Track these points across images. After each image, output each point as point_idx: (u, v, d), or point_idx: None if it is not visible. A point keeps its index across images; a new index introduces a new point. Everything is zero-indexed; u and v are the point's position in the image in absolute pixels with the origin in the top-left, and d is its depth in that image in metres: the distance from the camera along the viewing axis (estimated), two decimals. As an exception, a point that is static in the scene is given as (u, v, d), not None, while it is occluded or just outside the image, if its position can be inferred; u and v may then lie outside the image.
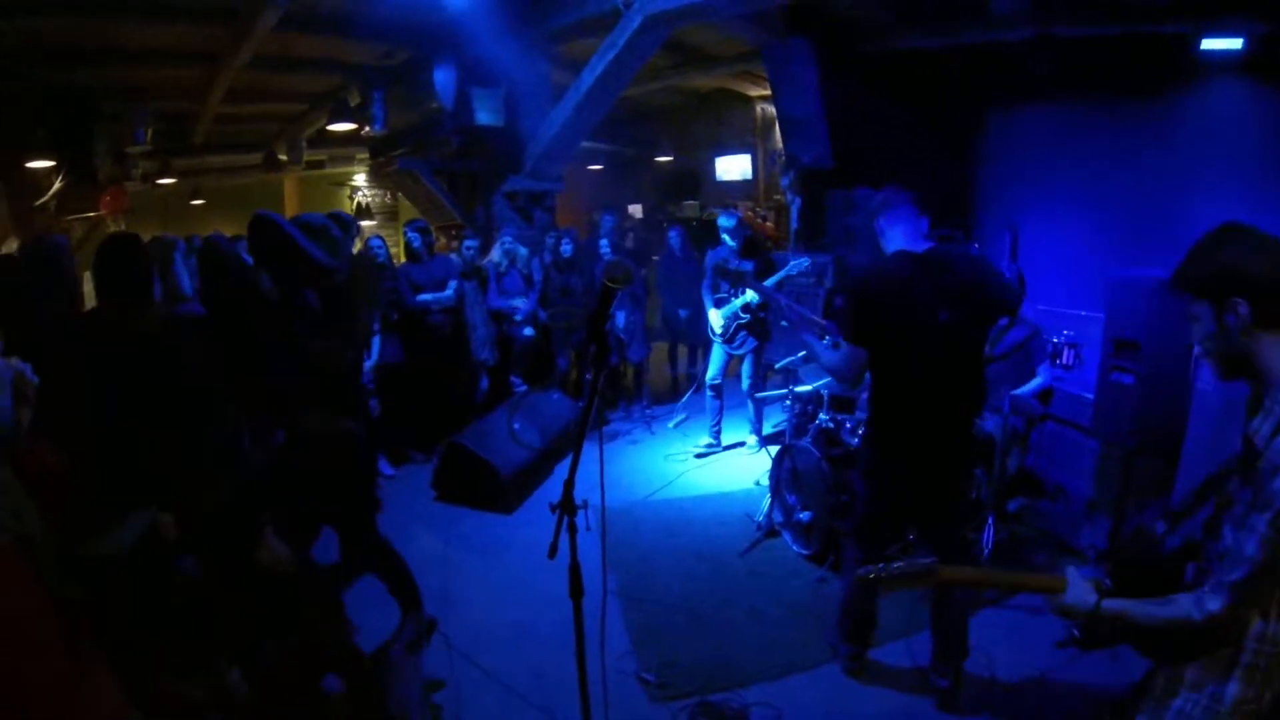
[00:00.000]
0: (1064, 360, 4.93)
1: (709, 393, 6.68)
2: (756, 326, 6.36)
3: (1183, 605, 1.61)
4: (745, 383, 6.55)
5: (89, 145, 8.88)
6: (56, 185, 9.04)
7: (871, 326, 3.00)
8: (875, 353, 3.04)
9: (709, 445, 6.76)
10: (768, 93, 9.74)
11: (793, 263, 6.09)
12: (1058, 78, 5.51)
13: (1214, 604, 1.56)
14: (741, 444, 6.82)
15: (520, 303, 7.39)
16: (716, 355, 6.57)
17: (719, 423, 6.73)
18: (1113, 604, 1.71)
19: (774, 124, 11.13)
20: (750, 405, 6.55)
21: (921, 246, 3.04)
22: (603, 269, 2.41)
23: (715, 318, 6.40)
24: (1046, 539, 4.56)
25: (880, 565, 1.93)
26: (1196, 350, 1.73)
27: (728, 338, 6.40)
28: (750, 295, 6.14)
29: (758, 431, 6.57)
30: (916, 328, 2.94)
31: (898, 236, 3.10)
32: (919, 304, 2.93)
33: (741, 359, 6.51)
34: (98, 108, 8.99)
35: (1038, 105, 5.98)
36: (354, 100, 10.13)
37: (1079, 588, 1.77)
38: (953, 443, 3.16)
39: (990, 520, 4.22)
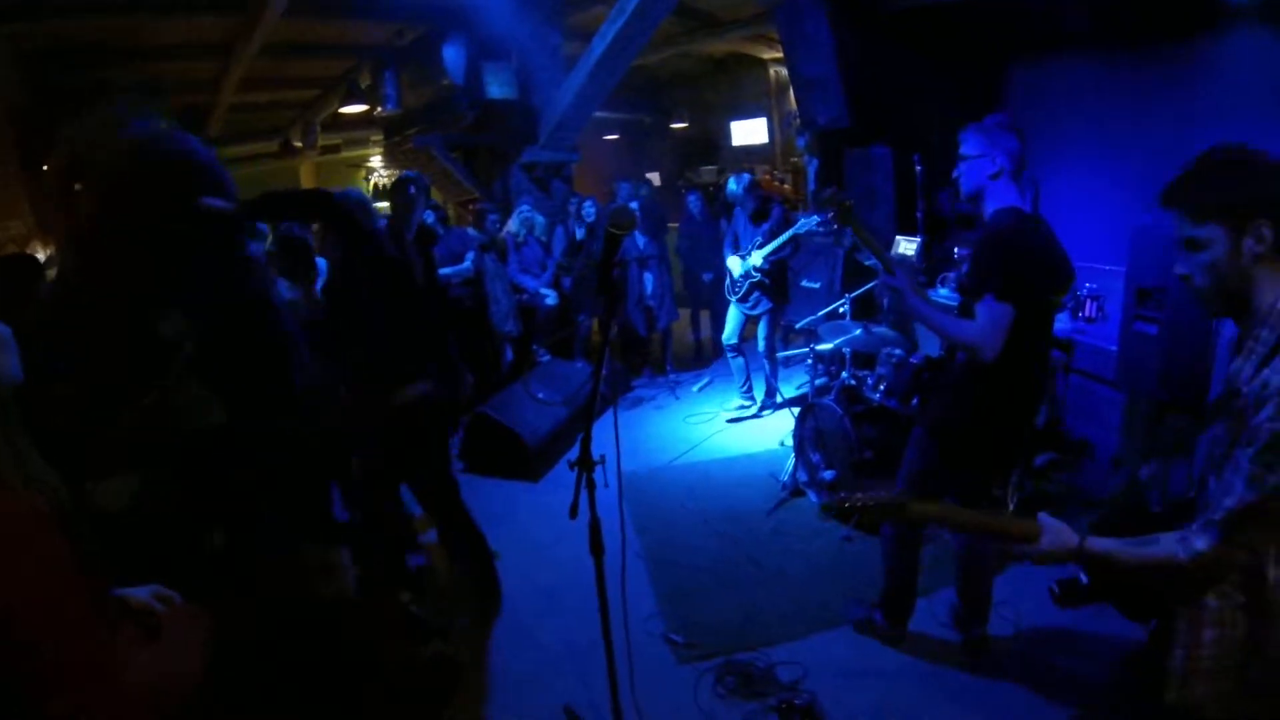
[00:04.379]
0: (1086, 313, 4.87)
1: (728, 353, 6.68)
2: (771, 287, 6.32)
3: (1167, 544, 1.56)
4: (761, 344, 6.52)
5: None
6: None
7: (1024, 284, 2.70)
8: (1016, 312, 2.70)
9: (740, 406, 6.76)
10: (781, 55, 9.62)
11: (802, 221, 6.05)
12: (1080, 26, 5.38)
13: (1201, 542, 1.51)
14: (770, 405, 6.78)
15: (546, 292, 7.49)
16: (732, 315, 6.56)
17: (748, 380, 6.73)
18: (1096, 543, 1.67)
19: (788, 86, 11.00)
20: (766, 366, 6.55)
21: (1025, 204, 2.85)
22: (608, 213, 2.42)
23: (735, 263, 6.40)
24: (1072, 495, 4.53)
25: (856, 495, 1.92)
26: (1181, 278, 1.64)
27: (742, 296, 6.38)
28: (759, 255, 6.15)
29: (775, 391, 6.58)
30: (1044, 289, 2.81)
31: (1004, 187, 2.83)
32: (1046, 265, 2.80)
33: (758, 320, 6.48)
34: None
35: (1059, 56, 5.84)
36: (365, 82, 10.16)
37: (1056, 531, 1.72)
38: (1035, 407, 3.11)
39: (1015, 476, 4.21)
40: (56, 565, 1.38)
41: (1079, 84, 5.71)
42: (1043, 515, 1.78)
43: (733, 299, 6.49)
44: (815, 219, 5.96)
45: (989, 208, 2.84)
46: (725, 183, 7.16)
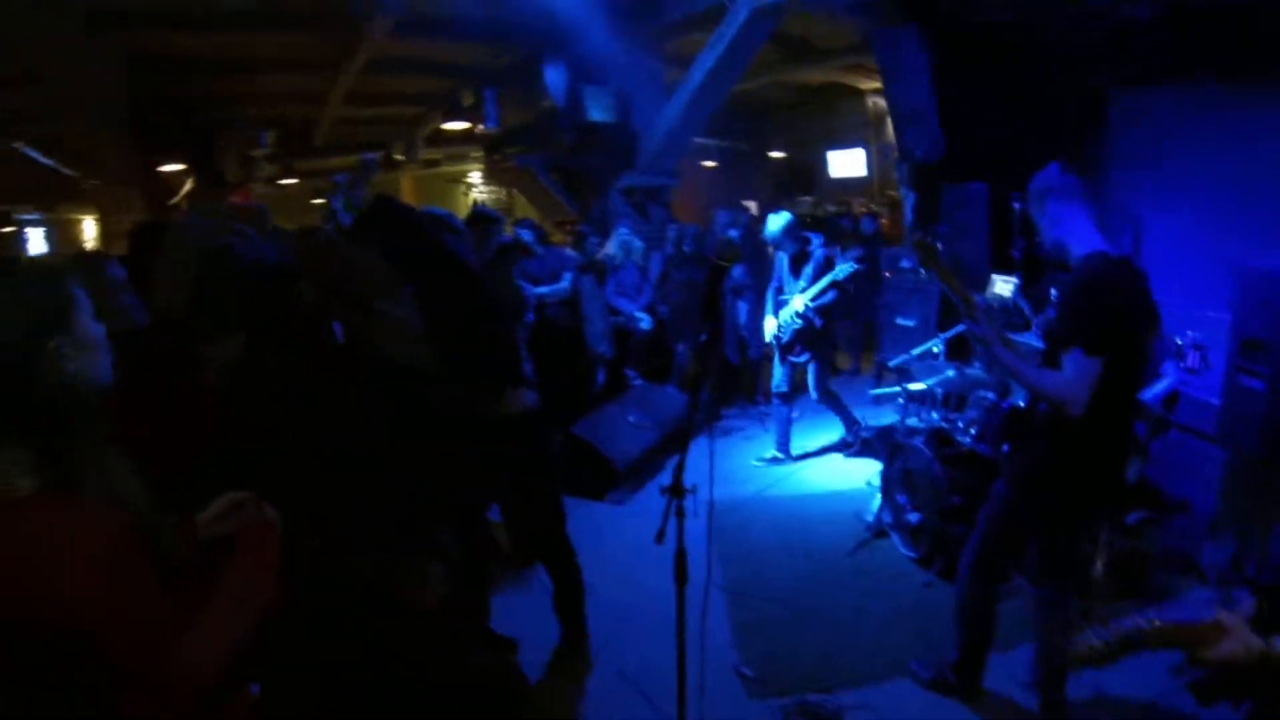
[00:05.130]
0: (1188, 363, 4.69)
1: (775, 401, 6.46)
2: (814, 335, 6.06)
3: None
4: (813, 393, 6.29)
5: (216, 150, 9.61)
6: (187, 186, 9.83)
7: (1114, 334, 2.62)
8: (1106, 364, 2.62)
9: (773, 458, 6.46)
10: (879, 85, 9.59)
11: (841, 265, 5.84)
12: (1185, 55, 5.21)
13: None
14: (815, 453, 6.61)
15: (641, 316, 7.51)
16: (779, 364, 6.34)
17: (785, 434, 6.47)
18: None
19: (887, 117, 10.94)
20: (829, 410, 6.42)
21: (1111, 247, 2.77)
22: (714, 246, 2.49)
23: (770, 323, 6.18)
24: (1166, 556, 4.36)
25: (1099, 637, 1.71)
26: None
27: (784, 346, 6.17)
28: (797, 306, 5.91)
29: (849, 431, 6.47)
30: (1134, 337, 2.74)
31: (1087, 230, 2.75)
32: (1137, 313, 2.72)
33: (804, 369, 6.25)
34: (224, 115, 9.73)
35: (1162, 86, 5.62)
36: (467, 100, 10.55)
37: (1238, 632, 1.51)
38: (1124, 461, 3.05)
39: (1104, 533, 4.09)
40: (139, 581, 1.40)
41: (1184, 116, 5.51)
42: (1223, 613, 1.59)
43: (776, 352, 6.29)
44: (854, 264, 5.80)
45: (1075, 252, 2.78)
46: (826, 214, 7.05)
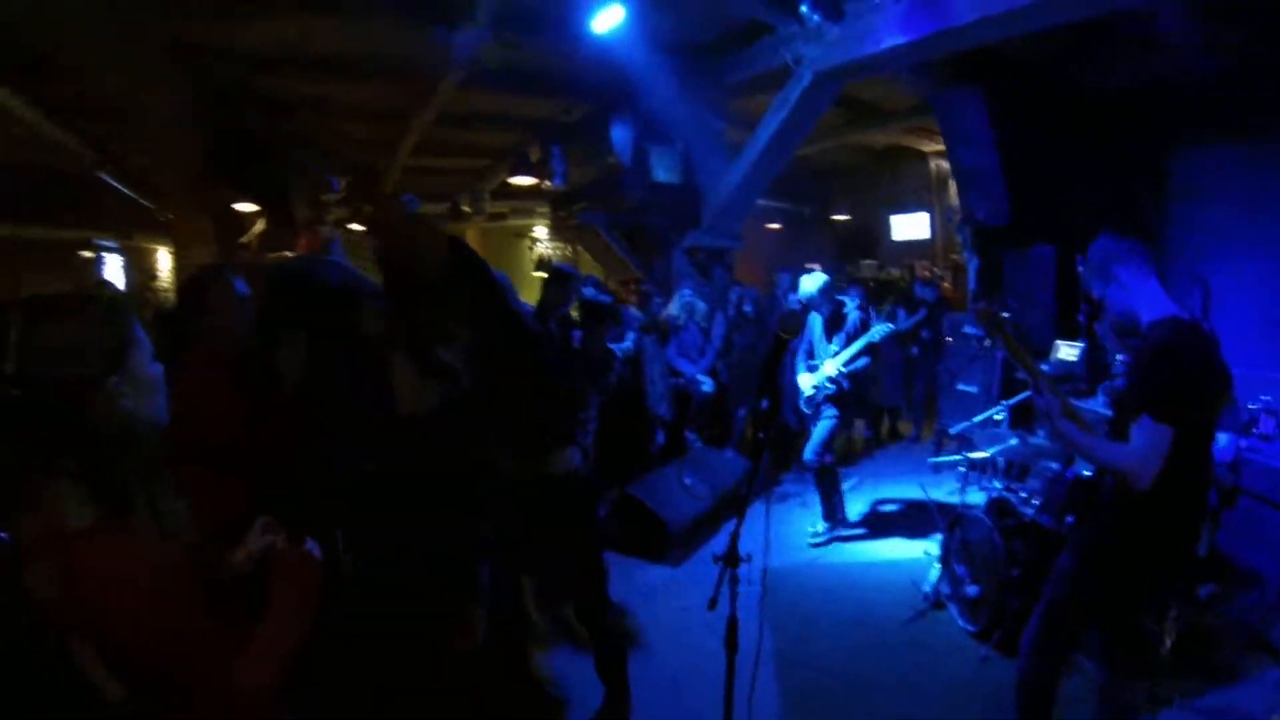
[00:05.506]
0: (1261, 430, 4.50)
1: (811, 468, 6.08)
2: (844, 398, 5.91)
3: None
4: (809, 453, 5.94)
5: (289, 192, 10.02)
6: (258, 226, 10.22)
7: (1185, 402, 2.54)
8: (1177, 435, 2.52)
9: (817, 534, 6.08)
10: (942, 147, 9.58)
11: (877, 327, 5.72)
12: (1250, 113, 5.10)
13: None
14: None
15: (703, 379, 7.46)
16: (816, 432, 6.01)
17: (830, 504, 6.14)
18: None
19: (949, 179, 10.90)
20: (813, 479, 6.06)
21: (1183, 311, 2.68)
22: (777, 319, 2.51)
23: (805, 380, 5.99)
24: (1238, 631, 4.13)
25: None
26: None
27: (813, 409, 5.99)
28: (835, 365, 5.76)
29: (825, 510, 6.08)
30: (1206, 404, 2.66)
31: (1155, 294, 2.68)
32: (1209, 379, 2.65)
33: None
34: (298, 158, 10.16)
35: (1229, 143, 5.53)
36: (534, 155, 10.79)
37: None
38: (1195, 532, 2.92)
39: (1173, 608, 3.89)
40: (190, 610, 1.45)
41: (1251, 171, 5.37)
42: None
43: (808, 413, 6.08)
44: (890, 326, 5.67)
45: (1144, 319, 2.70)
46: (890, 278, 6.97)
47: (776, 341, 2.40)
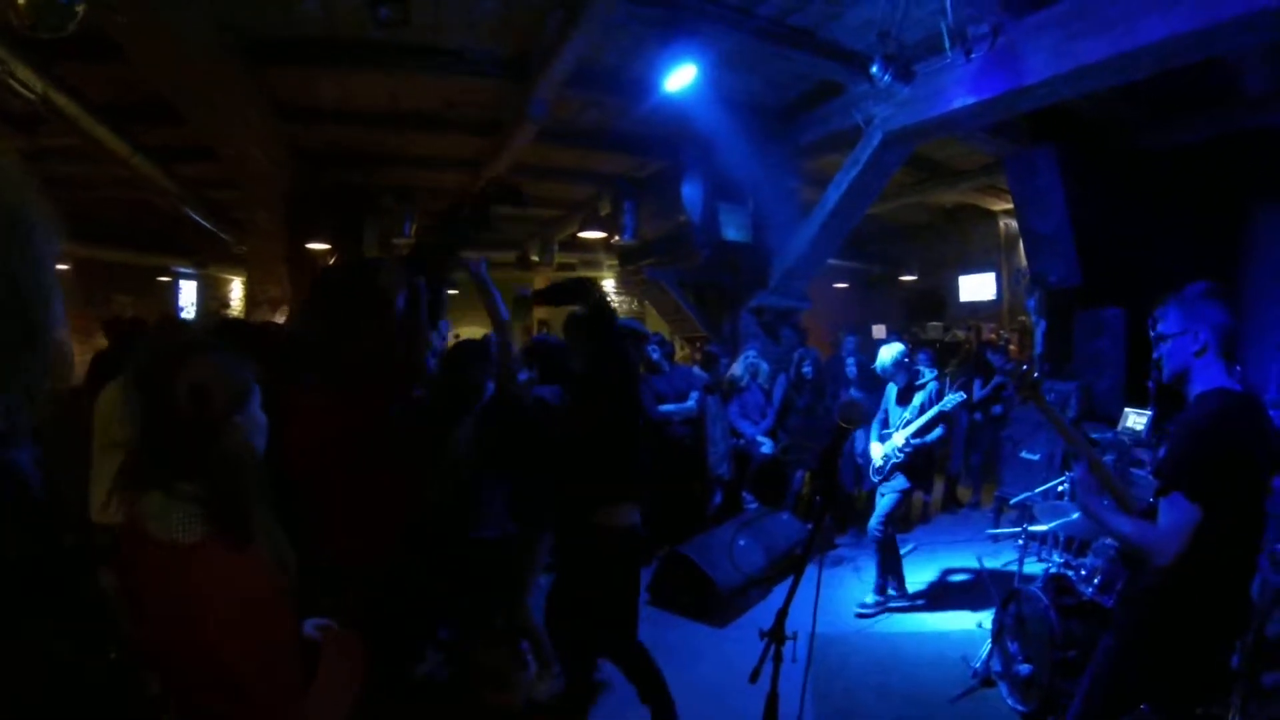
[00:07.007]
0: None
1: (874, 538, 5.85)
2: (913, 467, 5.75)
3: None
4: (874, 521, 5.76)
5: (361, 234, 10.36)
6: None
7: (1223, 480, 2.36)
8: (1211, 515, 2.35)
9: (866, 606, 5.80)
10: (1010, 206, 9.40)
11: (949, 397, 5.56)
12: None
13: None
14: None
15: (763, 440, 7.44)
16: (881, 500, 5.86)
17: (885, 576, 5.89)
18: None
19: (1018, 240, 10.67)
20: (876, 553, 5.82)
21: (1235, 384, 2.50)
22: (838, 408, 2.48)
23: (876, 450, 5.85)
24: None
25: None
26: None
27: (884, 475, 5.77)
28: (904, 435, 5.61)
29: (879, 583, 5.84)
30: (1255, 480, 2.46)
31: (1214, 366, 2.50)
32: (1258, 454, 2.44)
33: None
34: (373, 203, 10.51)
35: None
36: (605, 209, 10.90)
37: None
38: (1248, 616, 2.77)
39: (1236, 697, 3.61)
40: (285, 637, 1.59)
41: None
42: None
43: (877, 481, 5.87)
44: (961, 395, 5.54)
45: (1194, 390, 2.53)
46: (957, 340, 6.81)
47: (837, 431, 2.36)
